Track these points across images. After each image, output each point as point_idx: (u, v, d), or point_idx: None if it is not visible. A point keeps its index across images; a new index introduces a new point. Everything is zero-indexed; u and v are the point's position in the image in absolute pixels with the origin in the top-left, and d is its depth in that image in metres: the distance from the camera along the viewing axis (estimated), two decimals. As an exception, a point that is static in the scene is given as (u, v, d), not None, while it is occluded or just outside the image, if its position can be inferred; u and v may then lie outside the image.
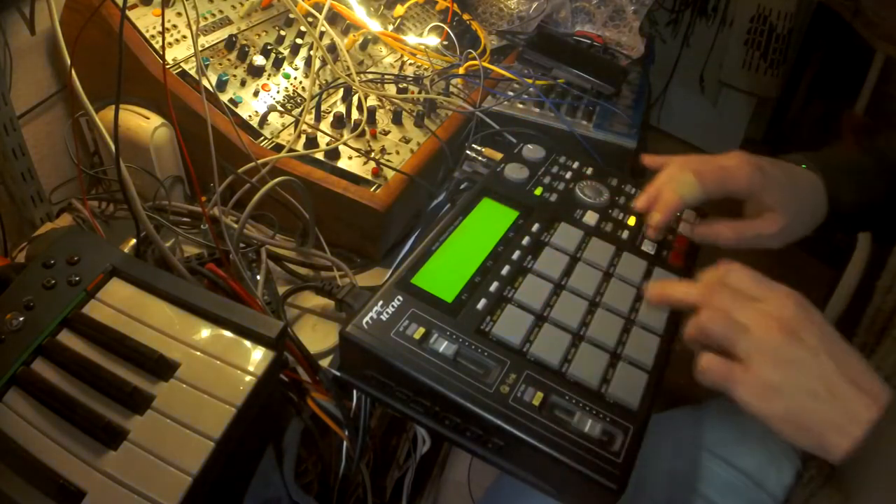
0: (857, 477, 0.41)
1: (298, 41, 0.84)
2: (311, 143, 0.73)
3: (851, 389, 0.42)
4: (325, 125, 0.76)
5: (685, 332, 0.47)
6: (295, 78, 0.81)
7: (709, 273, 0.49)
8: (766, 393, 0.42)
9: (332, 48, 0.85)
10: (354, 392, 0.55)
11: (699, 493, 0.64)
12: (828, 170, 0.61)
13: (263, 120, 0.74)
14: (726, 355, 0.44)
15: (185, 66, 0.73)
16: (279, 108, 0.76)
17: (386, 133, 0.78)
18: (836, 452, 0.41)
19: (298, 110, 0.78)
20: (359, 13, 0.90)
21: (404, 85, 0.87)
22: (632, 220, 0.65)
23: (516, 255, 0.57)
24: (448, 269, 0.55)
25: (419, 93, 0.85)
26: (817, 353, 0.43)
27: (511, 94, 0.90)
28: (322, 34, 0.83)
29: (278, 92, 0.79)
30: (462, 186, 0.74)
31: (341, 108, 0.79)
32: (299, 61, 0.83)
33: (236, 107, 0.73)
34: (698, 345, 0.46)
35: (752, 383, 0.43)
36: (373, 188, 0.70)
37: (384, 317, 0.49)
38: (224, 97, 0.73)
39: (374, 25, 0.91)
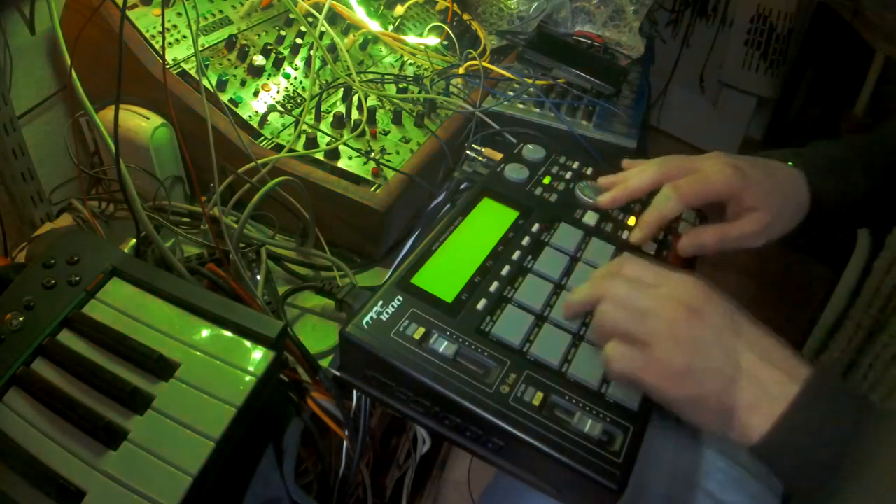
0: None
1: (298, 41, 0.84)
2: (311, 143, 0.73)
3: (763, 366, 0.41)
4: (325, 125, 0.76)
5: (591, 331, 0.46)
6: (295, 78, 0.81)
7: (600, 269, 0.49)
8: (672, 376, 0.41)
9: (332, 48, 0.85)
10: (354, 392, 0.55)
11: (699, 487, 0.64)
12: (811, 166, 0.61)
13: (263, 120, 0.74)
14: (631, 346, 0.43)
15: (185, 66, 0.73)
16: (279, 108, 0.76)
17: (386, 133, 0.78)
18: (752, 434, 0.40)
19: (298, 110, 0.78)
20: (359, 13, 0.90)
21: (404, 85, 0.87)
22: (632, 220, 0.65)
23: (516, 255, 0.57)
24: (448, 269, 0.55)
25: (419, 93, 0.85)
26: (721, 330, 0.42)
27: (511, 94, 0.90)
28: (322, 34, 0.83)
29: (278, 92, 0.79)
30: (462, 186, 0.74)
31: (341, 108, 0.79)
32: (299, 61, 0.83)
33: (236, 107, 0.73)
34: (604, 341, 0.45)
35: (657, 367, 0.42)
36: (373, 188, 0.70)
37: (384, 317, 0.49)
38: (224, 97, 0.73)
39: (374, 25, 0.91)
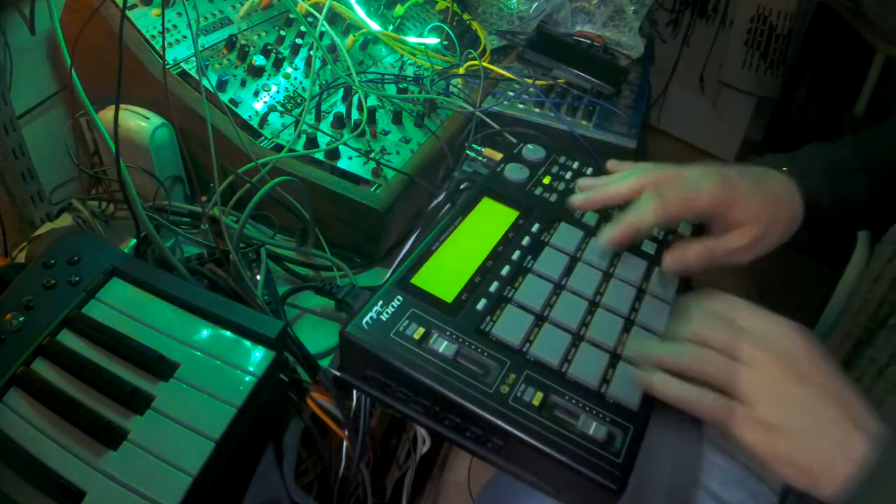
0: None
1: (298, 41, 0.84)
2: (311, 143, 0.73)
3: (849, 427, 0.41)
4: (325, 125, 0.76)
5: (678, 363, 0.45)
6: (295, 78, 0.81)
7: (703, 304, 0.47)
8: (767, 432, 0.41)
9: (332, 48, 0.85)
10: (354, 392, 0.55)
11: (701, 486, 0.63)
12: (807, 172, 0.59)
13: (263, 120, 0.74)
14: (722, 389, 0.43)
15: (185, 66, 0.73)
16: (279, 108, 0.76)
17: (386, 133, 0.78)
18: (827, 490, 0.40)
19: (298, 110, 0.78)
20: (359, 13, 0.90)
21: (404, 85, 0.87)
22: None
23: (516, 255, 0.57)
24: (448, 269, 0.55)
25: (419, 93, 0.85)
26: (818, 390, 0.42)
27: (511, 94, 0.90)
28: (322, 34, 0.83)
29: (278, 92, 0.79)
30: (462, 186, 0.74)
31: (341, 108, 0.79)
32: (299, 61, 0.83)
33: (236, 107, 0.73)
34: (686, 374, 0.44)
35: (752, 422, 0.42)
36: (373, 188, 0.70)
37: (384, 317, 0.49)
38: (224, 97, 0.73)
39: (374, 25, 0.91)
